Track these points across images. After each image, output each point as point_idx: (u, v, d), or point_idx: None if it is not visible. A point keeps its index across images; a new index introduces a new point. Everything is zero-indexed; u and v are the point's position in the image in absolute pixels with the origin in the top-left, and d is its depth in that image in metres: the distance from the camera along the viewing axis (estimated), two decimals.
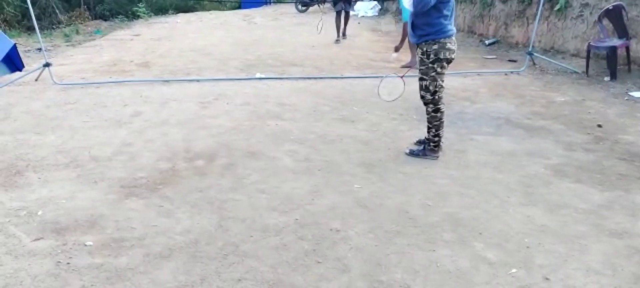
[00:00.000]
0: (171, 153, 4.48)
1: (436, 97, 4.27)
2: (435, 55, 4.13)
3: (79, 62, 8.71)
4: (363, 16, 16.89)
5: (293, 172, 4.07)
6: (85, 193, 3.68)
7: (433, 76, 4.20)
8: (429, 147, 4.41)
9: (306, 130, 5.10)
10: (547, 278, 2.66)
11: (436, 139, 4.39)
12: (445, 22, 4.09)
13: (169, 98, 6.33)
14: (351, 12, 14.85)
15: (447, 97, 6.23)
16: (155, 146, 4.65)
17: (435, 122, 4.34)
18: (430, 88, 4.24)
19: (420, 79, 4.28)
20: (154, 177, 3.97)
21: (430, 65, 4.17)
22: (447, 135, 4.85)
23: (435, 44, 4.11)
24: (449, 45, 4.12)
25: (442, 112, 4.32)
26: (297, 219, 3.29)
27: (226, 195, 3.64)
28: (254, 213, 3.38)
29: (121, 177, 3.97)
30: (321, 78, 7.54)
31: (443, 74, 4.23)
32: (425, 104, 4.34)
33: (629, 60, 6.87)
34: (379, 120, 5.45)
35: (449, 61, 4.21)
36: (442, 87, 4.27)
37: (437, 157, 4.38)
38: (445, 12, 4.06)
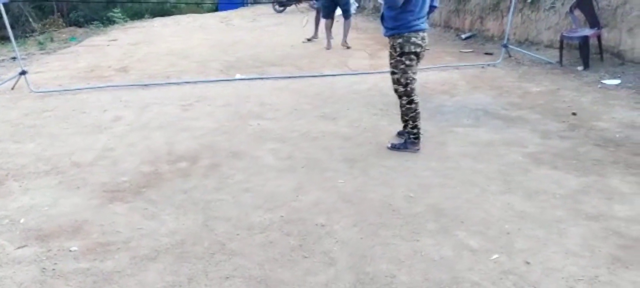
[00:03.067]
0: (154, 156, 4.47)
1: (408, 88, 4.38)
2: (401, 48, 4.27)
3: (55, 69, 8.61)
4: (339, 15, 16.93)
5: (277, 170, 4.10)
6: (68, 199, 3.66)
7: (402, 69, 4.33)
8: (409, 139, 4.49)
9: (288, 129, 5.13)
10: (527, 262, 2.74)
11: (415, 130, 4.47)
12: (410, 18, 4.20)
13: (150, 102, 6.30)
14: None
15: (426, 91, 6.38)
16: (138, 150, 4.64)
17: (410, 113, 4.43)
18: (402, 80, 4.36)
19: (392, 73, 4.41)
20: (137, 180, 3.96)
21: (398, 58, 4.32)
22: (428, 128, 4.94)
23: (400, 37, 4.25)
24: (413, 39, 4.23)
25: (416, 103, 4.42)
26: (282, 216, 3.32)
27: (211, 196, 3.66)
28: (239, 212, 3.40)
29: (104, 181, 3.95)
30: (301, 77, 7.57)
31: (412, 66, 4.34)
32: (399, 96, 4.45)
33: (600, 49, 7.03)
34: (359, 116, 5.51)
35: (416, 55, 4.31)
36: (413, 79, 4.38)
37: (418, 149, 4.45)
38: (410, 8, 4.16)
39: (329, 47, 9.86)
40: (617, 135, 4.58)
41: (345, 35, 10.05)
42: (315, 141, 4.77)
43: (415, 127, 4.46)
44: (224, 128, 5.22)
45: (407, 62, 4.31)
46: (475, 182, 3.76)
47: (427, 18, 4.38)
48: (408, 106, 4.43)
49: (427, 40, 4.35)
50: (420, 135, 4.50)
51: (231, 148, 4.64)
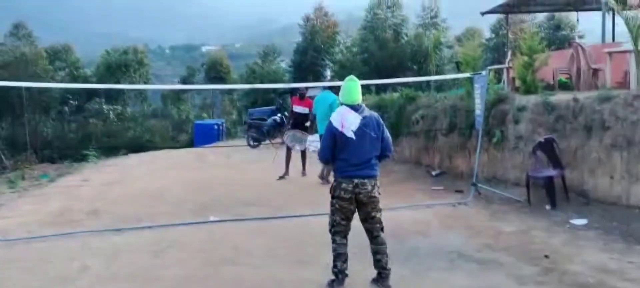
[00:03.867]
0: None
1: (332, 230, 4.53)
2: (333, 191, 4.48)
3: (24, 214, 8.43)
4: (314, 150, 17.35)
5: None
6: None
7: (331, 210, 4.52)
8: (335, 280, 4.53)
9: (262, 276, 5.04)
10: None
11: (334, 269, 4.52)
12: (342, 165, 4.43)
13: (120, 248, 6.16)
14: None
15: (400, 232, 6.40)
16: None
17: (332, 252, 4.55)
18: (329, 219, 4.56)
19: None
20: None
21: (330, 199, 4.53)
22: (403, 272, 4.92)
23: (335, 181, 4.48)
24: (343, 185, 4.40)
25: (337, 244, 4.51)
26: None
27: None
28: None
29: None
30: (276, 218, 7.58)
31: (340, 210, 4.46)
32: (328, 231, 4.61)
33: (565, 188, 7.30)
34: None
35: (347, 200, 4.41)
36: (340, 224, 4.48)
37: None
38: (343, 156, 4.40)
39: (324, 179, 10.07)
40: (591, 280, 4.62)
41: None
42: None
43: (335, 265, 4.52)
44: (195, 277, 5.10)
45: (336, 205, 4.46)
46: None
47: (373, 164, 4.48)
48: (331, 244, 4.56)
49: (368, 187, 4.40)
50: (340, 277, 4.50)
51: None
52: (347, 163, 4.38)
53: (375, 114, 4.63)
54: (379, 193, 4.52)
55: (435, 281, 4.78)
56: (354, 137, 4.38)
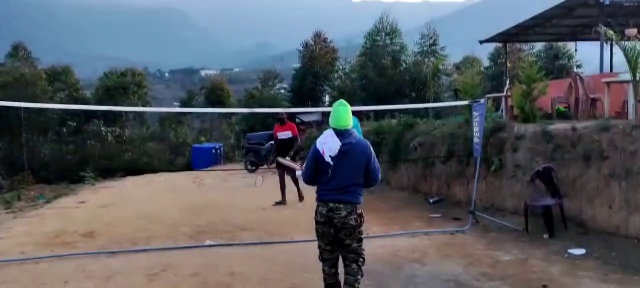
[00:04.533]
0: None
1: (320, 256, 4.49)
2: (314, 215, 4.42)
3: (18, 235, 8.36)
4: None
5: None
6: None
7: (316, 235, 4.46)
8: None
9: None
10: None
11: None
12: (320, 188, 4.40)
13: (114, 271, 6.09)
14: (299, 173, 15.09)
15: (396, 260, 6.38)
16: None
17: (323, 280, 4.52)
18: (317, 245, 4.48)
19: None
20: None
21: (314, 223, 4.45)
22: None
23: (317, 206, 4.41)
24: (320, 209, 4.35)
25: (325, 274, 4.49)
26: None
27: None
28: None
29: None
30: (272, 243, 7.52)
31: (322, 236, 4.39)
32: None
33: (563, 217, 7.27)
34: None
35: (321, 224, 4.33)
36: (325, 249, 4.43)
37: None
38: (322, 179, 4.36)
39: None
40: None
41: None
42: None
43: None
44: None
45: (318, 230, 4.40)
46: None
47: (352, 191, 4.34)
48: (322, 273, 4.52)
49: (342, 213, 4.26)
50: None
51: None
52: (325, 186, 4.35)
53: (364, 142, 4.53)
54: (358, 222, 4.33)
55: None
56: (331, 162, 4.32)
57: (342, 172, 4.31)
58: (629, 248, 6.28)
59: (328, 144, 4.35)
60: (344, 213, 4.28)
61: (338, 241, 4.37)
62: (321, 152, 4.36)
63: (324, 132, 4.51)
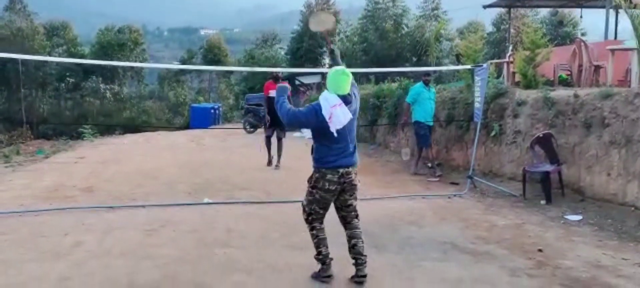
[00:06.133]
0: None
1: (309, 218, 4.36)
2: (315, 182, 4.25)
3: (17, 188, 8.38)
4: (309, 138, 17.30)
5: None
6: None
7: (309, 199, 4.32)
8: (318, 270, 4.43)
9: (255, 259, 5.01)
10: None
11: (319, 257, 4.40)
12: (328, 153, 4.17)
13: (113, 226, 6.12)
14: (299, 134, 15.09)
15: (394, 222, 6.41)
16: (96, 281, 4.43)
17: (313, 240, 4.40)
18: (306, 209, 4.36)
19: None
20: None
21: (309, 188, 4.32)
22: (396, 261, 4.91)
23: (317, 172, 4.23)
24: (329, 176, 4.17)
25: (317, 230, 4.36)
26: None
27: None
28: None
29: None
30: (270, 202, 7.55)
31: (322, 201, 4.28)
32: (304, 220, 4.44)
33: (561, 184, 7.29)
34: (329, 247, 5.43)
35: (330, 192, 4.22)
36: (317, 213, 4.33)
37: (327, 276, 4.38)
38: (326, 142, 4.16)
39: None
40: (584, 275, 4.61)
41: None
42: (282, 274, 4.66)
43: (319, 253, 4.38)
44: (188, 257, 5.06)
45: (317, 196, 4.26)
46: None
47: (355, 149, 4.30)
48: (310, 232, 4.40)
49: (352, 176, 4.24)
50: (328, 261, 4.39)
51: (194, 279, 4.49)
52: (332, 150, 4.16)
53: (355, 85, 4.40)
54: (358, 180, 4.40)
55: (428, 271, 4.76)
56: (336, 134, 4.14)
57: (350, 135, 4.25)
58: (624, 215, 6.31)
59: (337, 116, 4.09)
60: (353, 175, 4.28)
61: (341, 203, 4.37)
62: (327, 118, 4.10)
63: (327, 98, 4.17)
